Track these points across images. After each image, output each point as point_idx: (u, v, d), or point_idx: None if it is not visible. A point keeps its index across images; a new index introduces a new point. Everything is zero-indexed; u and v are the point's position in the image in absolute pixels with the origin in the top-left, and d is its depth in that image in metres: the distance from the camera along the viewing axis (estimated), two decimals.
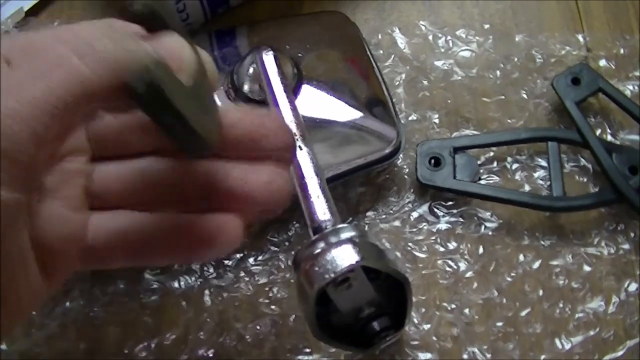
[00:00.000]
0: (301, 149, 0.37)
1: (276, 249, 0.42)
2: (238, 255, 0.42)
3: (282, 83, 0.39)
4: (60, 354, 0.40)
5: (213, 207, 0.30)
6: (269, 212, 0.30)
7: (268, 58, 0.41)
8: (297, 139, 0.37)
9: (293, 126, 0.37)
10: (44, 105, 0.21)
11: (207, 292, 0.41)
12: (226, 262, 0.42)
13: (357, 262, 0.30)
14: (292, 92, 0.43)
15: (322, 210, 0.35)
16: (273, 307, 0.41)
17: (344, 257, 0.31)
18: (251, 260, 0.42)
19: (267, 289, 0.41)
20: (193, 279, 0.42)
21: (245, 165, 0.30)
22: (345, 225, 0.34)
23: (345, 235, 0.33)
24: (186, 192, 0.30)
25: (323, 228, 0.34)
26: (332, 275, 0.30)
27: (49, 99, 0.21)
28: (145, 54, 0.23)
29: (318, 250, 0.32)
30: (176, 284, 0.42)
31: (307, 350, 0.40)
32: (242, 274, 0.42)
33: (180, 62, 0.25)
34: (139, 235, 0.30)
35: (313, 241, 0.33)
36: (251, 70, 0.42)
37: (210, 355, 0.40)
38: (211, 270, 0.42)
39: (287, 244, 0.42)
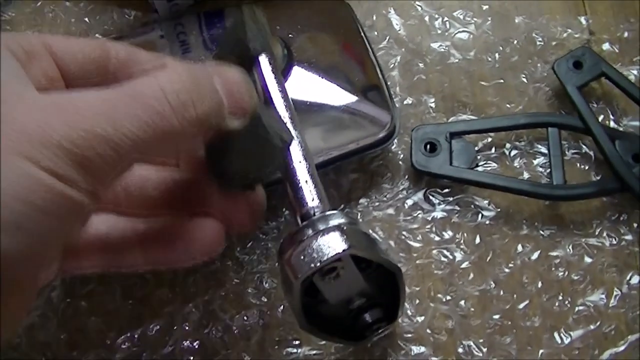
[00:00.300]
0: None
1: (265, 236, 0.41)
2: (225, 243, 0.40)
3: (270, 64, 0.37)
4: (42, 344, 0.38)
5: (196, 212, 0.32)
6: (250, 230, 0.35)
7: (263, 60, 0.39)
8: (286, 123, 0.35)
9: (283, 110, 0.35)
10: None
11: (192, 281, 0.40)
12: None
13: (344, 250, 0.29)
14: (282, 73, 0.41)
15: (310, 196, 0.33)
16: (261, 297, 0.39)
17: (331, 245, 0.29)
18: (239, 248, 0.41)
19: (255, 278, 0.40)
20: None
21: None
22: (334, 211, 0.32)
23: (333, 222, 0.31)
24: (177, 198, 0.32)
25: (311, 215, 0.32)
26: (318, 264, 0.29)
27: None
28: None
29: (304, 238, 0.30)
30: (159, 274, 0.40)
31: (296, 342, 0.38)
32: (229, 262, 0.40)
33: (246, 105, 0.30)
34: (119, 239, 0.31)
35: (300, 228, 0.32)
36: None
37: (196, 346, 0.38)
38: None
39: (276, 231, 0.41)
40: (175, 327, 0.39)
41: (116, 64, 0.30)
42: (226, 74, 0.29)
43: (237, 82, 0.29)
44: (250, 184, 0.34)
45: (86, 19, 0.47)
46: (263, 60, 0.37)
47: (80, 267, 0.32)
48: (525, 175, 0.42)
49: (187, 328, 0.39)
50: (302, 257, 0.29)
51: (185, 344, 0.38)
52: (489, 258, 0.40)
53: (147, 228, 0.32)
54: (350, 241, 0.29)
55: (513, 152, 0.43)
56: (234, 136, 0.30)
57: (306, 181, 0.33)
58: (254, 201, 0.34)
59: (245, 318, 0.39)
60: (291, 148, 0.34)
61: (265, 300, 0.39)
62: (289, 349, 0.38)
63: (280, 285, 0.33)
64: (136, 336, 0.39)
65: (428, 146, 0.41)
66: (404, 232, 0.41)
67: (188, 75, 0.26)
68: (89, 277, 0.40)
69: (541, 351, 0.38)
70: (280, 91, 0.36)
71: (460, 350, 0.38)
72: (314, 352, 0.38)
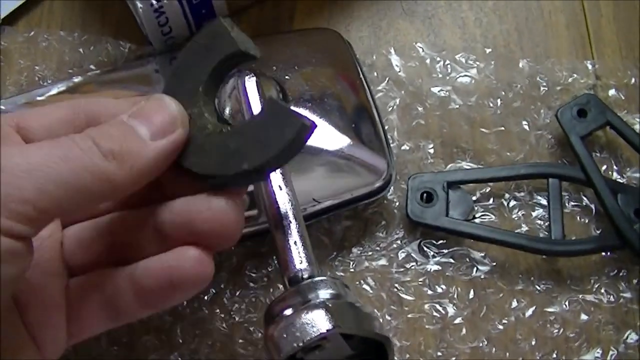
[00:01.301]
0: (281, 188, 0.34)
1: (254, 285, 0.40)
2: (214, 290, 0.39)
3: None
4: None
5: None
6: (227, 242, 0.29)
7: (250, 83, 0.37)
8: (277, 177, 0.34)
9: None
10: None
11: (179, 328, 0.39)
12: (201, 296, 0.39)
13: (328, 330, 0.28)
14: None
15: (298, 258, 0.32)
16: (249, 347, 0.38)
17: (315, 324, 0.28)
18: (227, 295, 0.39)
19: (243, 328, 0.39)
20: (166, 313, 0.39)
21: (190, 199, 0.28)
22: (323, 278, 0.31)
23: (322, 292, 0.30)
24: (144, 238, 0.29)
25: (299, 278, 0.31)
26: (301, 344, 0.27)
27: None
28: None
29: (289, 313, 0.29)
30: (145, 318, 0.39)
31: None
32: (218, 310, 0.39)
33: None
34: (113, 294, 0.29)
35: (286, 295, 0.31)
36: (233, 94, 0.39)
37: None
38: (185, 304, 0.39)
39: (265, 279, 0.40)
40: None
41: (83, 119, 0.29)
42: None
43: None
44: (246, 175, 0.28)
45: (80, 50, 0.45)
46: (251, 86, 0.36)
47: (84, 328, 0.30)
48: (524, 228, 0.41)
49: None
50: (284, 335, 0.28)
51: None
52: (482, 313, 0.39)
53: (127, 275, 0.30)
54: (335, 319, 0.28)
55: (512, 203, 0.41)
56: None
57: (295, 242, 0.32)
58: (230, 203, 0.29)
59: None
60: (281, 205, 0.33)
61: (253, 350, 0.38)
62: None
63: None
64: None
65: (425, 195, 0.40)
66: (396, 285, 0.39)
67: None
68: None
69: None
70: None
71: None
72: None
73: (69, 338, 0.29)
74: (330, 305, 0.29)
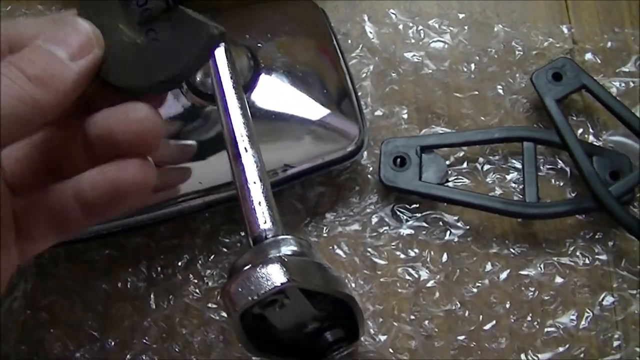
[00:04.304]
0: (247, 150, 0.33)
1: (227, 250, 0.39)
2: (187, 257, 0.38)
3: (231, 79, 0.35)
4: (1, 356, 0.37)
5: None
6: (146, 150, 0.28)
7: (219, 51, 0.36)
8: (244, 140, 0.33)
9: (240, 126, 0.33)
10: None
11: (153, 294, 0.38)
12: (176, 262, 0.38)
13: (282, 284, 0.26)
14: (248, 85, 0.39)
15: (262, 218, 0.31)
16: (222, 313, 0.37)
17: (270, 277, 0.27)
18: (201, 262, 0.38)
19: (216, 293, 0.38)
20: (140, 280, 0.38)
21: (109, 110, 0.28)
22: (286, 237, 0.30)
23: (285, 248, 0.29)
24: (74, 153, 0.29)
25: (263, 238, 0.30)
26: (255, 297, 0.26)
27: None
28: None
29: (246, 268, 0.28)
30: (121, 285, 0.38)
31: (256, 359, 0.36)
32: (191, 276, 0.38)
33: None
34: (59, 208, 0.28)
35: (247, 253, 0.30)
36: None
37: None
38: (159, 270, 0.38)
39: (238, 245, 0.39)
40: (134, 341, 0.37)
41: (5, 43, 0.28)
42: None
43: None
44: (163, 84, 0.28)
45: None
46: (219, 54, 0.35)
47: (33, 245, 0.29)
48: (498, 192, 0.39)
49: (146, 342, 0.37)
50: (240, 289, 0.27)
51: (144, 358, 0.37)
52: (455, 277, 0.38)
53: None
54: (290, 273, 0.27)
55: (486, 167, 0.40)
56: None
57: (259, 202, 0.31)
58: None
59: (205, 333, 0.37)
60: (246, 167, 0.32)
61: (226, 316, 0.37)
62: None
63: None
64: (95, 349, 0.37)
65: (398, 160, 0.39)
66: (369, 249, 0.38)
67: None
68: (50, 288, 0.38)
69: None
70: (240, 108, 0.33)
71: None
72: None
73: (20, 256, 0.29)
74: (286, 260, 0.27)
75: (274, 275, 0.27)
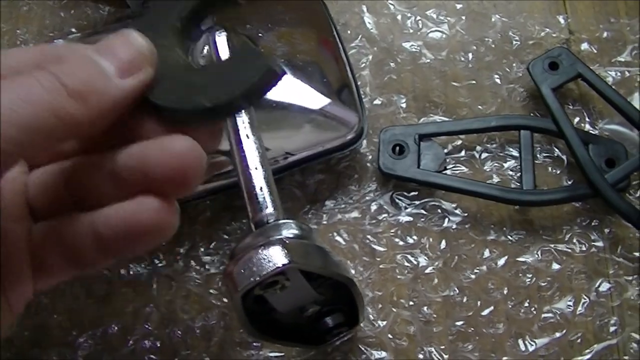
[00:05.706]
0: (248, 137, 0.32)
1: (228, 237, 0.39)
2: (188, 243, 0.38)
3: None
4: (4, 341, 0.37)
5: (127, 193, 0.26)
6: (183, 187, 0.25)
7: (220, 39, 0.36)
8: (245, 127, 0.33)
9: (241, 113, 0.33)
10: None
11: (155, 281, 0.38)
12: (177, 249, 0.38)
13: (284, 265, 0.26)
14: None
15: (264, 203, 0.30)
16: (223, 298, 0.37)
17: (272, 258, 0.27)
18: (202, 249, 0.38)
19: (217, 279, 0.38)
20: (142, 266, 0.38)
21: (147, 142, 0.26)
22: (288, 220, 0.30)
23: (286, 232, 0.29)
24: (102, 183, 0.26)
25: (264, 222, 0.30)
26: (257, 278, 0.26)
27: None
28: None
29: (248, 250, 0.28)
30: (123, 271, 0.38)
31: (257, 344, 0.36)
32: (192, 263, 0.38)
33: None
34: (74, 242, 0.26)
35: (249, 236, 0.29)
36: (205, 51, 0.38)
37: (157, 346, 0.36)
38: (161, 257, 0.38)
39: (239, 232, 0.39)
40: (136, 327, 0.37)
41: (51, 60, 0.26)
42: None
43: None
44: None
45: (61, 14, 0.44)
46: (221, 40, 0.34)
47: (47, 275, 0.28)
48: (495, 179, 0.39)
49: (148, 327, 0.37)
50: (242, 271, 0.27)
51: (146, 343, 0.37)
52: (454, 263, 0.38)
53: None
54: (291, 255, 0.27)
55: (483, 155, 0.40)
56: None
57: (261, 188, 0.31)
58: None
59: (206, 319, 0.37)
60: (248, 153, 0.32)
61: (227, 301, 0.37)
62: (250, 351, 0.36)
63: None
64: (98, 334, 0.37)
65: (397, 148, 0.39)
66: (369, 236, 0.38)
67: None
68: None
69: (504, 358, 0.36)
70: None
71: (420, 356, 0.36)
72: (275, 354, 0.36)
73: (34, 285, 0.27)
74: (288, 242, 0.27)
75: (275, 256, 0.27)
